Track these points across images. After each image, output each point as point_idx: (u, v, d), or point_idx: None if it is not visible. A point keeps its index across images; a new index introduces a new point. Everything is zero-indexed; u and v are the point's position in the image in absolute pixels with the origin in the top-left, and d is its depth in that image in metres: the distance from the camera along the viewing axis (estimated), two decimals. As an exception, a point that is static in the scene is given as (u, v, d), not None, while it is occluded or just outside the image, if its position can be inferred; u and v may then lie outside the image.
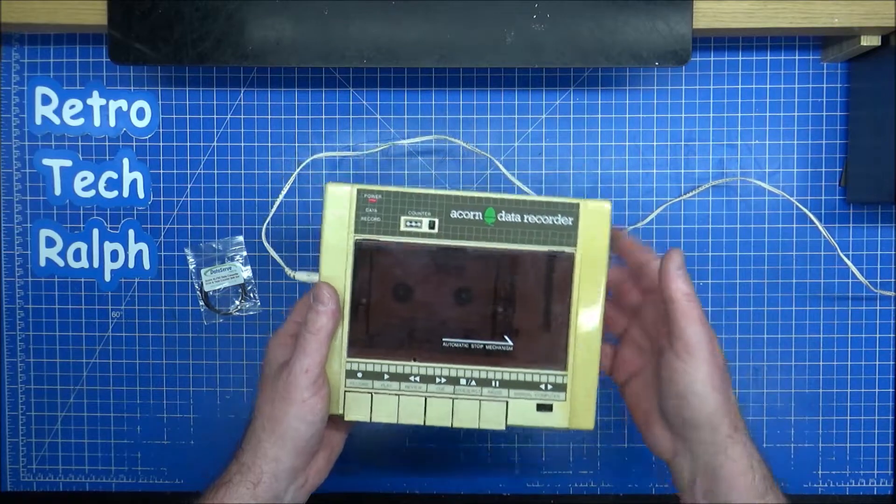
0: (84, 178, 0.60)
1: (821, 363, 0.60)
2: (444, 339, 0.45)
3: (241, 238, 0.60)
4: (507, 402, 0.45)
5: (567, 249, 0.44)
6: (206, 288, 0.60)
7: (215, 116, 0.60)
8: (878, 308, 0.60)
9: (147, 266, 0.60)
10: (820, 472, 0.61)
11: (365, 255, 0.44)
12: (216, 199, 0.60)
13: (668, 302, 0.42)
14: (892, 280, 0.59)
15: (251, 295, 0.60)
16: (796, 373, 0.60)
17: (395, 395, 0.45)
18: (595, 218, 0.44)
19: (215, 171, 0.60)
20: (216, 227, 0.60)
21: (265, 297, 0.60)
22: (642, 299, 0.47)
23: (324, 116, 0.60)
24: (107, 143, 0.60)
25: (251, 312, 0.60)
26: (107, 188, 0.60)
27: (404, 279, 0.44)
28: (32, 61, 0.60)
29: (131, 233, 0.60)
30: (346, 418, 0.45)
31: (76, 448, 0.61)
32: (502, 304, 0.45)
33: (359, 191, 0.43)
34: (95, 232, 0.60)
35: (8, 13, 0.52)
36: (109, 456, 0.61)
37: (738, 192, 0.60)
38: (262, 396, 0.44)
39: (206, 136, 0.60)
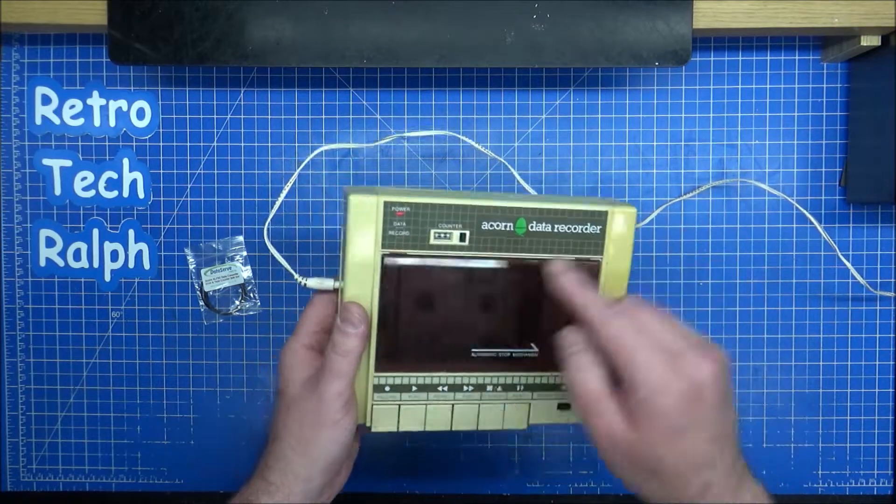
0: (84, 178, 0.60)
1: (821, 363, 0.60)
2: (472, 350, 0.44)
3: (241, 238, 0.60)
4: (529, 404, 0.45)
5: (594, 257, 0.44)
6: (206, 288, 0.60)
7: (215, 116, 0.60)
8: (878, 308, 0.60)
9: (147, 266, 0.60)
10: (820, 472, 0.61)
11: (393, 270, 0.42)
12: (216, 199, 0.60)
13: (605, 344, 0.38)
14: (892, 280, 0.59)
15: (251, 295, 0.60)
16: (796, 373, 0.60)
17: (423, 404, 0.45)
18: (621, 223, 0.43)
19: (215, 171, 0.60)
20: (216, 227, 0.60)
21: (265, 297, 0.60)
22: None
23: (324, 116, 0.60)
24: (107, 143, 0.60)
25: (251, 312, 0.60)
26: (107, 188, 0.60)
27: (432, 291, 0.43)
28: (32, 61, 0.60)
29: (131, 233, 0.60)
30: (374, 430, 0.45)
31: (76, 448, 0.61)
32: (529, 312, 0.44)
33: (385, 203, 0.41)
34: (95, 232, 0.60)
35: (8, 13, 0.52)
36: (109, 456, 0.61)
37: (738, 193, 0.60)
38: (289, 416, 0.43)
39: (206, 136, 0.60)
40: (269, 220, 0.49)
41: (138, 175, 0.60)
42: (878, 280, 0.59)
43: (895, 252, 0.59)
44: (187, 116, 0.60)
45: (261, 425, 0.61)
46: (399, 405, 0.45)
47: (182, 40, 0.51)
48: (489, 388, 0.45)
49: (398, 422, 0.45)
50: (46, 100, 0.60)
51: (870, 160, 0.56)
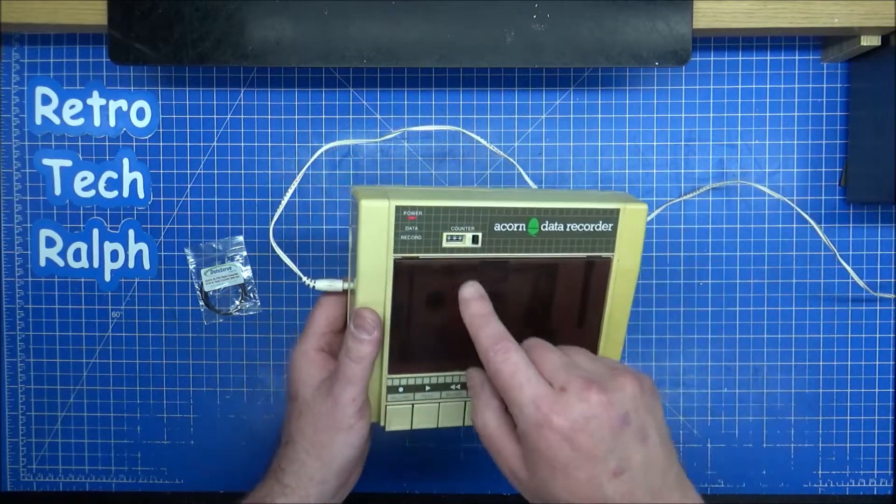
0: (84, 178, 0.60)
1: (821, 363, 0.60)
2: None
3: (241, 238, 0.60)
4: None
5: (605, 255, 0.43)
6: (206, 288, 0.60)
7: (215, 116, 0.60)
8: (877, 308, 0.60)
9: (147, 266, 0.60)
10: (820, 472, 0.61)
11: (405, 274, 0.41)
12: (216, 199, 0.60)
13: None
14: (892, 280, 0.59)
15: (251, 295, 0.60)
16: (796, 373, 0.60)
17: (437, 402, 0.45)
18: (632, 220, 0.43)
19: (215, 171, 0.60)
20: (216, 227, 0.60)
21: (265, 297, 0.60)
22: None
23: (324, 116, 0.60)
24: (107, 143, 0.60)
25: (251, 312, 0.60)
26: (107, 188, 0.60)
27: (444, 292, 0.42)
28: (32, 61, 0.60)
29: (131, 233, 0.60)
30: (387, 429, 0.45)
31: (76, 448, 0.61)
32: (540, 309, 0.44)
33: (397, 207, 0.40)
34: (95, 232, 0.60)
35: (8, 13, 0.52)
36: (109, 456, 0.61)
37: (738, 193, 0.60)
38: (302, 420, 0.43)
39: (206, 136, 0.60)
40: (273, 220, 0.49)
41: (138, 175, 0.60)
42: (878, 280, 0.59)
43: (895, 252, 0.59)
44: (187, 116, 0.60)
45: (261, 425, 0.61)
46: (413, 405, 0.45)
47: (182, 40, 0.51)
48: None
49: (412, 421, 0.45)
50: (46, 100, 0.60)
51: (870, 160, 0.56)
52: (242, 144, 0.60)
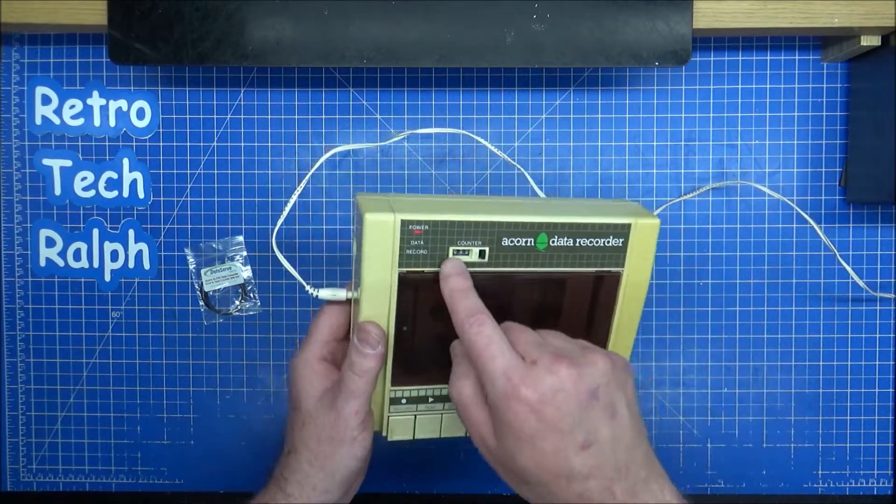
0: (84, 178, 0.60)
1: (821, 363, 0.60)
2: None
3: (241, 238, 0.60)
4: None
5: (614, 269, 0.43)
6: (206, 288, 0.60)
7: (215, 116, 0.60)
8: (877, 308, 0.60)
9: (147, 266, 0.60)
10: (820, 472, 0.61)
11: (409, 288, 0.41)
12: (216, 199, 0.60)
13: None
14: (892, 280, 0.59)
15: (251, 295, 0.60)
16: (796, 373, 0.60)
17: (439, 414, 0.45)
18: (644, 235, 0.42)
19: (215, 171, 0.60)
20: (216, 227, 0.60)
21: (265, 297, 0.60)
22: None
23: (324, 116, 0.60)
24: (107, 143, 0.60)
25: (251, 312, 0.60)
26: (107, 188, 0.60)
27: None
28: (32, 61, 0.60)
29: (131, 233, 0.60)
30: (390, 439, 0.45)
31: (76, 448, 0.61)
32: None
33: (402, 221, 0.39)
34: (95, 232, 0.60)
35: (8, 13, 0.52)
36: (109, 456, 0.61)
37: (738, 193, 0.60)
38: (304, 431, 0.43)
39: (206, 136, 0.60)
40: (276, 229, 0.49)
41: (138, 175, 0.60)
42: (878, 280, 0.59)
43: (895, 252, 0.59)
44: (187, 116, 0.60)
45: (261, 425, 0.61)
46: (415, 416, 0.45)
47: (182, 40, 0.51)
48: None
49: (414, 431, 0.45)
50: (46, 100, 0.60)
51: (870, 160, 0.56)
52: (242, 144, 0.60)
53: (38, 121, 0.60)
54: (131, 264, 0.60)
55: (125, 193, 0.60)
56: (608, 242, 0.42)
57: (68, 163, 0.60)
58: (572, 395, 0.35)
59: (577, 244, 0.41)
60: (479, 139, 0.57)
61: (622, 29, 0.51)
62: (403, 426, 0.45)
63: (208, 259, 0.60)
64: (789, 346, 0.60)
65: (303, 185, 0.50)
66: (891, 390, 0.60)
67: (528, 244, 0.41)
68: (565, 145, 0.60)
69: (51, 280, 0.61)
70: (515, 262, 0.41)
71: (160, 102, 0.60)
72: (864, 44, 0.53)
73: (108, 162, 0.60)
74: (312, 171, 0.55)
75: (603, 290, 0.43)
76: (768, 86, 0.59)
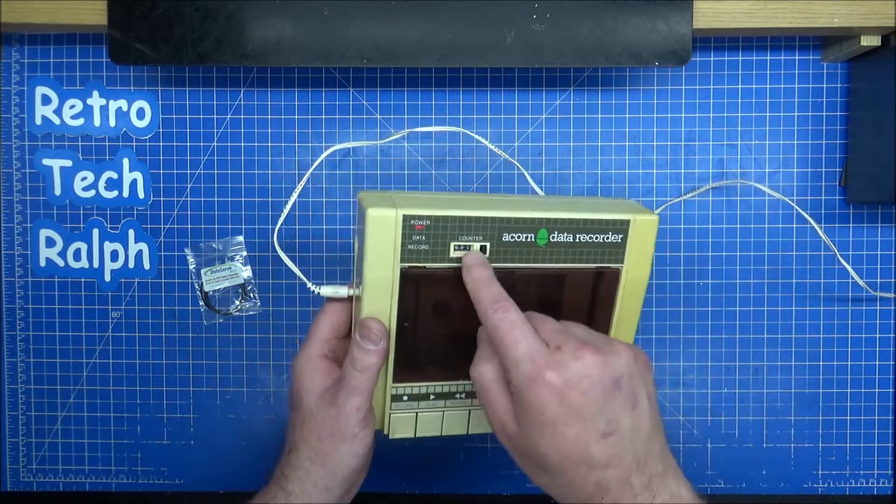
0: (84, 178, 0.60)
1: (821, 363, 0.60)
2: None
3: (241, 238, 0.60)
4: None
5: (614, 265, 0.43)
6: (206, 288, 0.60)
7: (215, 116, 0.60)
8: (877, 308, 0.60)
9: (147, 266, 0.60)
10: (820, 472, 0.61)
11: (411, 284, 0.41)
12: (216, 199, 0.60)
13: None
14: (892, 280, 0.59)
15: (251, 295, 0.60)
16: (796, 373, 0.60)
17: (441, 411, 0.45)
18: (643, 231, 0.43)
19: (215, 171, 0.60)
20: (216, 227, 0.60)
21: (265, 297, 0.60)
22: None
23: (324, 116, 0.60)
24: (107, 143, 0.60)
25: (251, 312, 0.60)
26: (107, 188, 0.60)
27: (451, 302, 0.42)
28: (32, 61, 0.60)
29: (131, 233, 0.60)
30: (391, 437, 0.45)
31: (76, 448, 0.61)
32: None
33: (404, 216, 0.39)
34: (95, 232, 0.60)
35: (8, 13, 0.52)
36: (109, 456, 0.61)
37: (738, 193, 0.60)
38: (305, 428, 0.43)
39: (206, 136, 0.60)
40: (277, 227, 0.49)
41: (138, 175, 0.60)
42: (878, 280, 0.59)
43: (895, 252, 0.59)
44: (187, 116, 0.60)
45: (261, 425, 0.61)
46: (416, 413, 0.45)
47: (182, 40, 0.51)
48: None
49: (415, 429, 0.45)
50: (46, 100, 0.60)
51: (870, 160, 0.56)
52: (242, 144, 0.60)
53: (38, 121, 0.60)
54: (131, 264, 0.60)
55: (125, 193, 0.60)
56: (607, 238, 0.42)
57: (68, 163, 0.60)
58: (597, 381, 0.35)
59: (577, 240, 0.42)
60: (479, 139, 0.57)
61: (622, 29, 0.51)
62: (405, 424, 0.45)
63: (208, 259, 0.60)
64: (789, 346, 0.60)
65: (302, 183, 0.50)
66: (891, 390, 0.60)
67: (529, 240, 0.41)
68: (565, 145, 0.60)
69: (51, 280, 0.61)
70: (516, 257, 0.42)
71: (160, 102, 0.60)
72: (864, 44, 0.53)
73: (108, 162, 0.60)
74: (312, 169, 0.55)
75: (603, 286, 0.43)
76: (768, 86, 0.59)
